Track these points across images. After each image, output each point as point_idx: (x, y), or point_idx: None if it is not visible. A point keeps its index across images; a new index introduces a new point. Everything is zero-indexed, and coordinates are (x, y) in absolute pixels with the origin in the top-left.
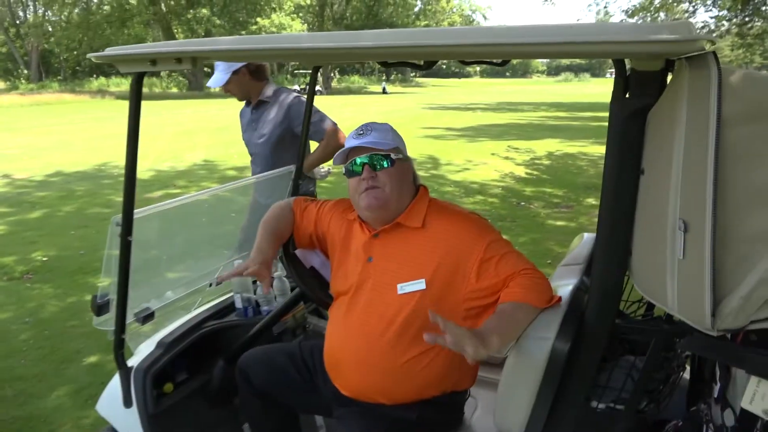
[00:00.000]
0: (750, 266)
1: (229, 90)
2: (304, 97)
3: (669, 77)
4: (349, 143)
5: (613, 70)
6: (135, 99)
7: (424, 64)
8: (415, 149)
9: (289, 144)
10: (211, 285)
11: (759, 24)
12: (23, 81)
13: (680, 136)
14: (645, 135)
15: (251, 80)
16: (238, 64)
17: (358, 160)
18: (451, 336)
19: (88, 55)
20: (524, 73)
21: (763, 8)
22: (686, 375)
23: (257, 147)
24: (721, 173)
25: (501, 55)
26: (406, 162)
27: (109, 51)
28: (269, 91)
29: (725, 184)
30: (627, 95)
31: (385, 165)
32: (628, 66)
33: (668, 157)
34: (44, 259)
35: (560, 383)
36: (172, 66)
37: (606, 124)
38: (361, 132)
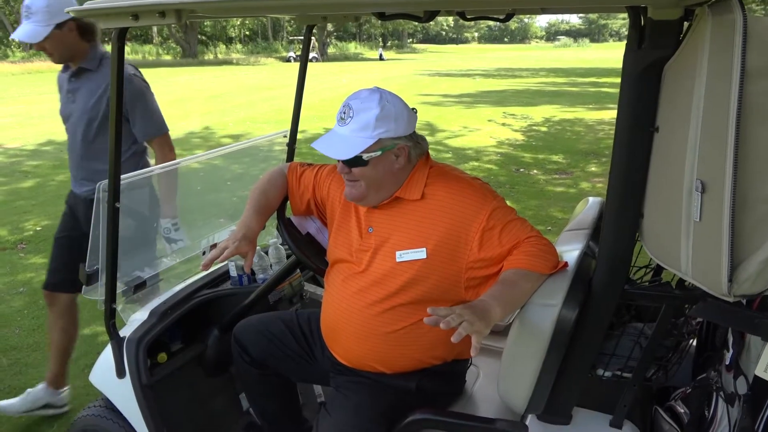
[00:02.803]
0: None
1: (43, 48)
2: (138, 75)
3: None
4: (334, 127)
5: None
6: (117, 57)
7: (424, 15)
8: None
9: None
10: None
11: None
12: (14, 49)
13: (700, 90)
14: (660, 90)
15: (79, 39)
16: (66, 17)
17: None
18: (448, 326)
19: (66, 10)
20: (523, 38)
21: None
22: (693, 341)
23: (74, 126)
24: (743, 129)
25: (503, 4)
26: (388, 152)
27: (89, 4)
28: (95, 56)
29: (746, 141)
30: (642, 47)
31: (359, 165)
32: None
33: (686, 113)
34: (37, 228)
35: (566, 352)
36: (156, 20)
37: (605, 89)
38: (343, 116)
